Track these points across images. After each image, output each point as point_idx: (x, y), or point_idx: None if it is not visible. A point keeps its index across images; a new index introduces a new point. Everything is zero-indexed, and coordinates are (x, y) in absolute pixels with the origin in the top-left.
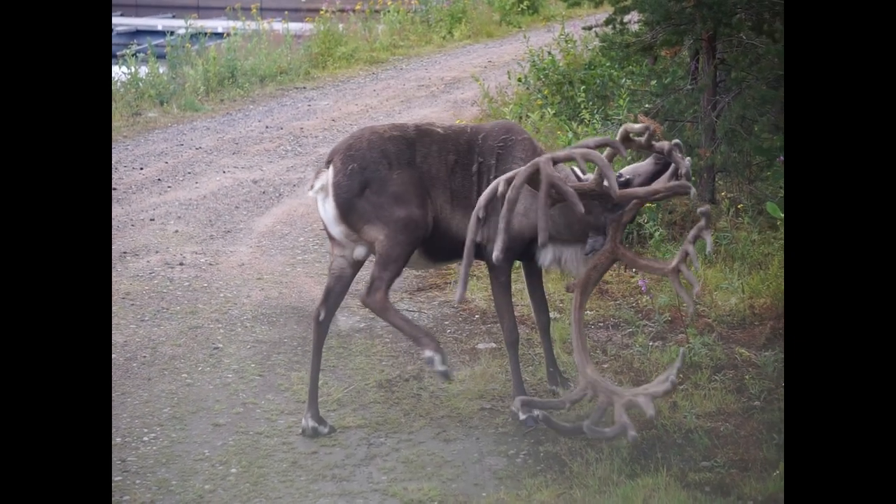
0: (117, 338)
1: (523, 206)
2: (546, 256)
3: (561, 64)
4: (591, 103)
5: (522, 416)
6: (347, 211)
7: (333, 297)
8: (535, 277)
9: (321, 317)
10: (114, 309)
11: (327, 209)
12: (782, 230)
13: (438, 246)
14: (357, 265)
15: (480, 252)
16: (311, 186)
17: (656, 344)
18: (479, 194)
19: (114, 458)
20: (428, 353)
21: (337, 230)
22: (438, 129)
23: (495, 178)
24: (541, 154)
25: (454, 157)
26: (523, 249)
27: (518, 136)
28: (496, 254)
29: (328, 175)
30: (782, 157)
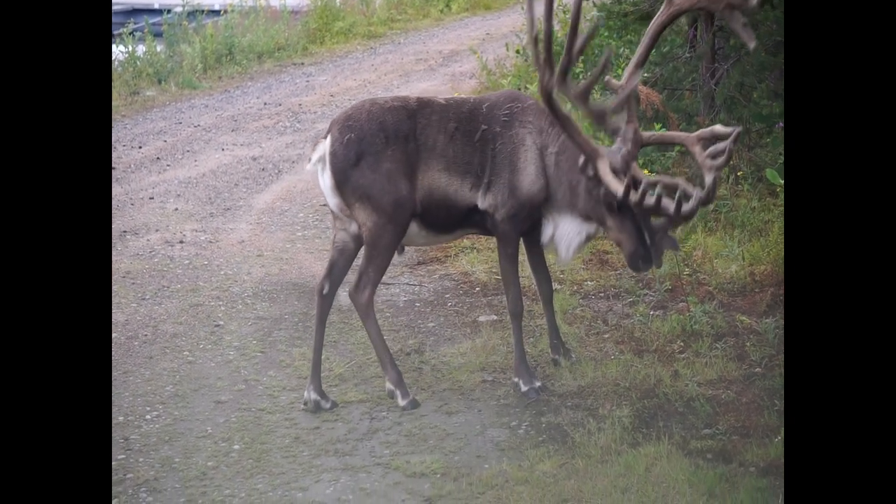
0: (118, 316)
1: (534, 171)
2: (547, 230)
3: (559, 34)
4: (589, 73)
5: (524, 388)
6: (342, 181)
7: (337, 270)
8: (536, 249)
9: (325, 290)
10: (115, 288)
11: (325, 179)
12: (782, 197)
13: (436, 215)
14: (359, 240)
15: (485, 222)
16: (310, 159)
17: (657, 313)
18: (481, 160)
19: (117, 437)
20: (389, 385)
21: (333, 202)
22: (440, 100)
23: (501, 144)
24: (549, 118)
25: (454, 124)
26: (530, 217)
27: (524, 102)
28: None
29: (325, 145)
30: (781, 124)
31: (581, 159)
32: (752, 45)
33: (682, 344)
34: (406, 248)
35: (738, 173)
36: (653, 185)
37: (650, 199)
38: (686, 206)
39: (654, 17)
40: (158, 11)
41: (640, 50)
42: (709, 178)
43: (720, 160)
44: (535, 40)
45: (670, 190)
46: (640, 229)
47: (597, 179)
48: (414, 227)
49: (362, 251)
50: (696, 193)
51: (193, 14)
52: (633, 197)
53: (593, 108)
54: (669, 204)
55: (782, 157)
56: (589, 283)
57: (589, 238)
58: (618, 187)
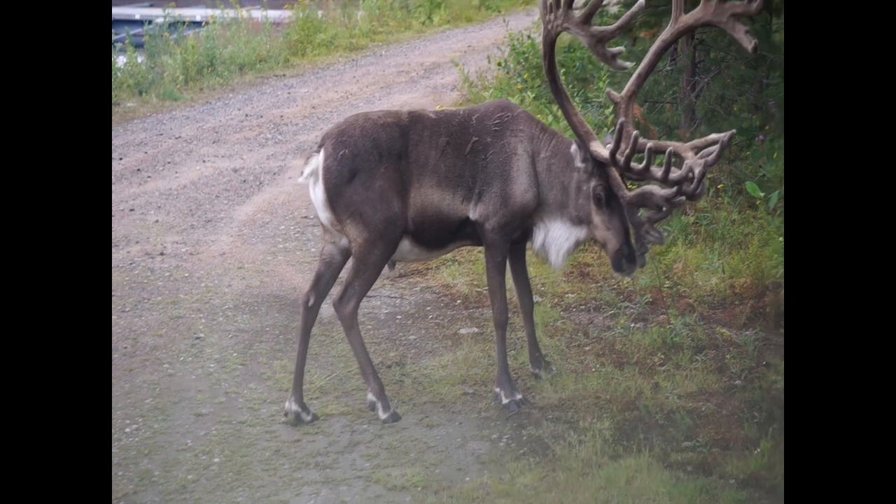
0: None
1: (526, 179)
2: (538, 236)
3: (540, 47)
4: (571, 86)
5: (505, 401)
6: (335, 197)
7: (323, 283)
8: (519, 262)
9: (310, 302)
10: None
11: (317, 193)
12: (762, 209)
13: (428, 232)
14: (347, 252)
15: (476, 232)
16: (302, 172)
17: (638, 325)
18: (472, 172)
19: None
20: (371, 397)
21: (324, 216)
22: (431, 115)
23: (493, 154)
24: (538, 125)
25: (445, 139)
26: (521, 226)
27: (514, 111)
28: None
29: (319, 159)
30: (761, 137)
31: (573, 146)
32: (750, 47)
33: (662, 356)
34: (396, 264)
35: (719, 186)
36: (641, 148)
37: (638, 164)
38: (674, 174)
39: (660, 35)
40: (139, 22)
41: (644, 63)
42: (697, 170)
43: (711, 156)
44: None
45: (660, 151)
46: (627, 228)
47: (587, 172)
48: (406, 244)
49: (349, 263)
50: (686, 164)
51: (175, 25)
52: (621, 158)
53: (594, 31)
54: (657, 171)
55: (762, 170)
56: (570, 295)
57: (578, 243)
58: (607, 153)
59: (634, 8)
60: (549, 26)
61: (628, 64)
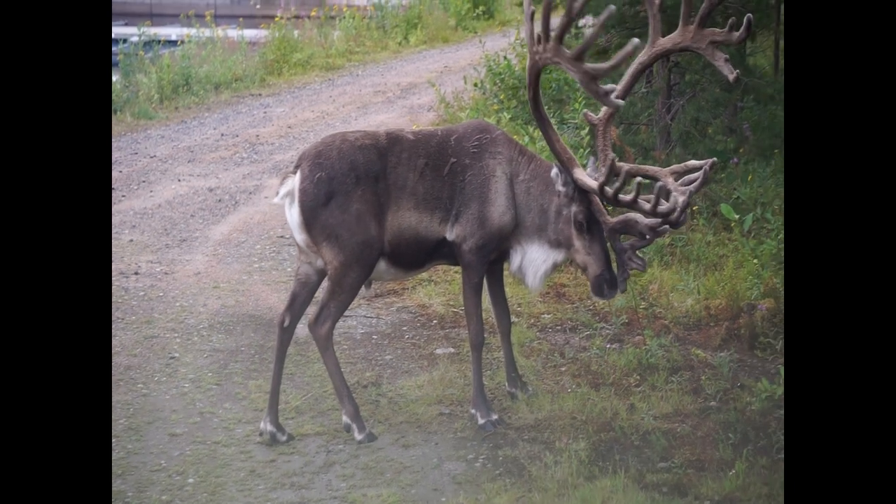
0: None
1: (504, 202)
2: (515, 258)
3: (516, 68)
4: (546, 107)
5: (481, 421)
6: (311, 220)
7: (299, 303)
8: (496, 282)
9: (286, 322)
10: None
11: (293, 215)
12: (736, 232)
13: (405, 253)
14: (322, 273)
15: (452, 252)
16: (277, 192)
17: (613, 346)
18: (450, 193)
19: None
20: (346, 419)
21: (300, 237)
22: (409, 136)
23: (472, 175)
24: (517, 147)
25: (424, 160)
26: (498, 248)
27: (493, 133)
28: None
29: (295, 180)
30: (736, 160)
31: (554, 171)
32: (732, 76)
33: (638, 377)
34: (373, 283)
35: (694, 208)
36: (631, 176)
37: (627, 195)
38: (662, 206)
39: (637, 57)
40: (114, 41)
41: (620, 86)
42: (681, 199)
43: (694, 184)
44: (532, 16)
45: (638, 174)
46: (607, 253)
47: (568, 196)
48: (382, 265)
49: (325, 283)
50: (674, 195)
51: (150, 44)
52: (610, 190)
53: (587, 69)
54: (645, 203)
55: (737, 193)
56: (546, 316)
57: (556, 265)
58: (594, 183)
59: (628, 47)
60: (537, 57)
61: (622, 102)
